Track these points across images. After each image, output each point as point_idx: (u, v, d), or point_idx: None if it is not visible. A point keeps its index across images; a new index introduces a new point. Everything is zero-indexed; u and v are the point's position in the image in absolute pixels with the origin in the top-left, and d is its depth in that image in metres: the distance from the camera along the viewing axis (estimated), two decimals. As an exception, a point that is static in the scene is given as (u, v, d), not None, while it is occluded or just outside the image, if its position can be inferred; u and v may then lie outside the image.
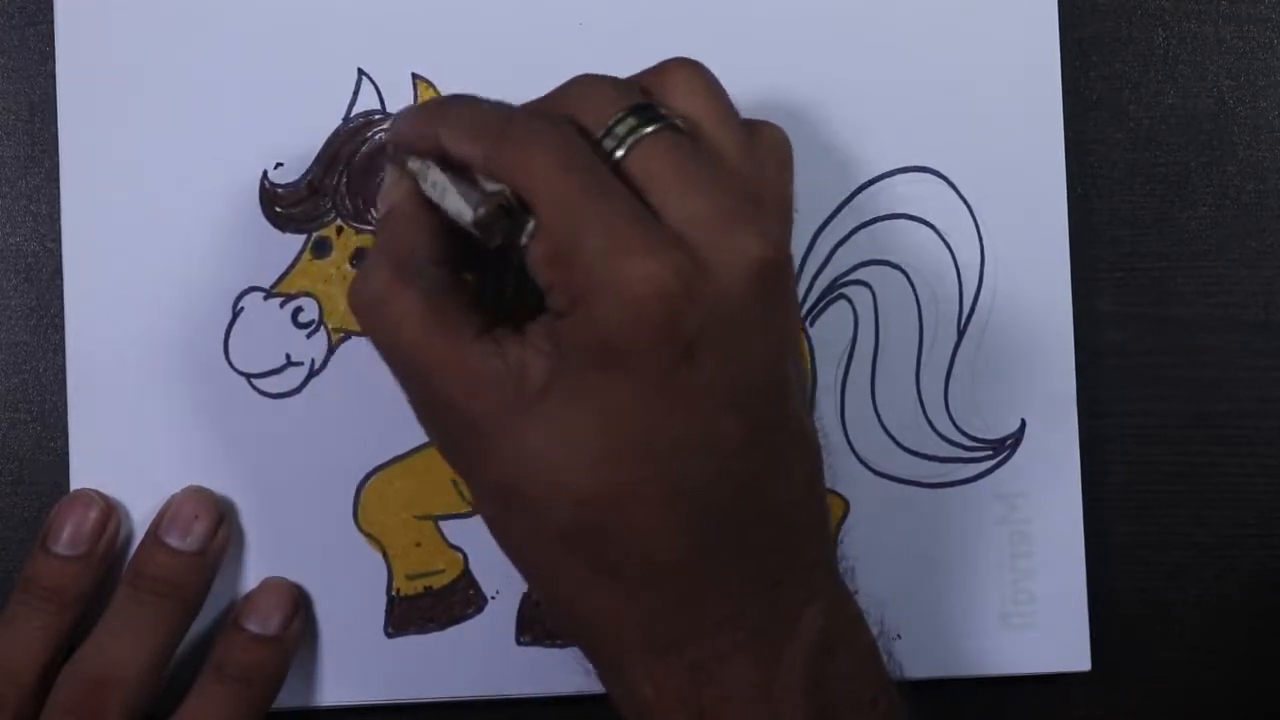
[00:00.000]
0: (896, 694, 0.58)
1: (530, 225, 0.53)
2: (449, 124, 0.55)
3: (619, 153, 0.54)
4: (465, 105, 0.57)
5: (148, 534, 0.65)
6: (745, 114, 0.66)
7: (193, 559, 0.64)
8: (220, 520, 0.65)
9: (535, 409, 0.53)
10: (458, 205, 0.54)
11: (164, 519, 0.65)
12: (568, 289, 0.52)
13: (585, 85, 0.56)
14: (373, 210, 0.66)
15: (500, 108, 0.56)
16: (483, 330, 0.54)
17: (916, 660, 0.66)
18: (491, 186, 0.53)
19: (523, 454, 0.53)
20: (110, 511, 0.65)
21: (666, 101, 0.55)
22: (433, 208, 0.56)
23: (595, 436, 0.52)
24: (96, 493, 0.65)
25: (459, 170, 0.55)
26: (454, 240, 0.56)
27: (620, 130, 0.54)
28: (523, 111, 0.56)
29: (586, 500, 0.53)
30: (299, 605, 0.66)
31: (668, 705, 0.55)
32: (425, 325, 0.54)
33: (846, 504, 0.67)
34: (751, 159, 0.56)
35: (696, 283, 0.52)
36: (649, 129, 0.54)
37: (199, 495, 0.65)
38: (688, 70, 0.56)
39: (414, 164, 0.57)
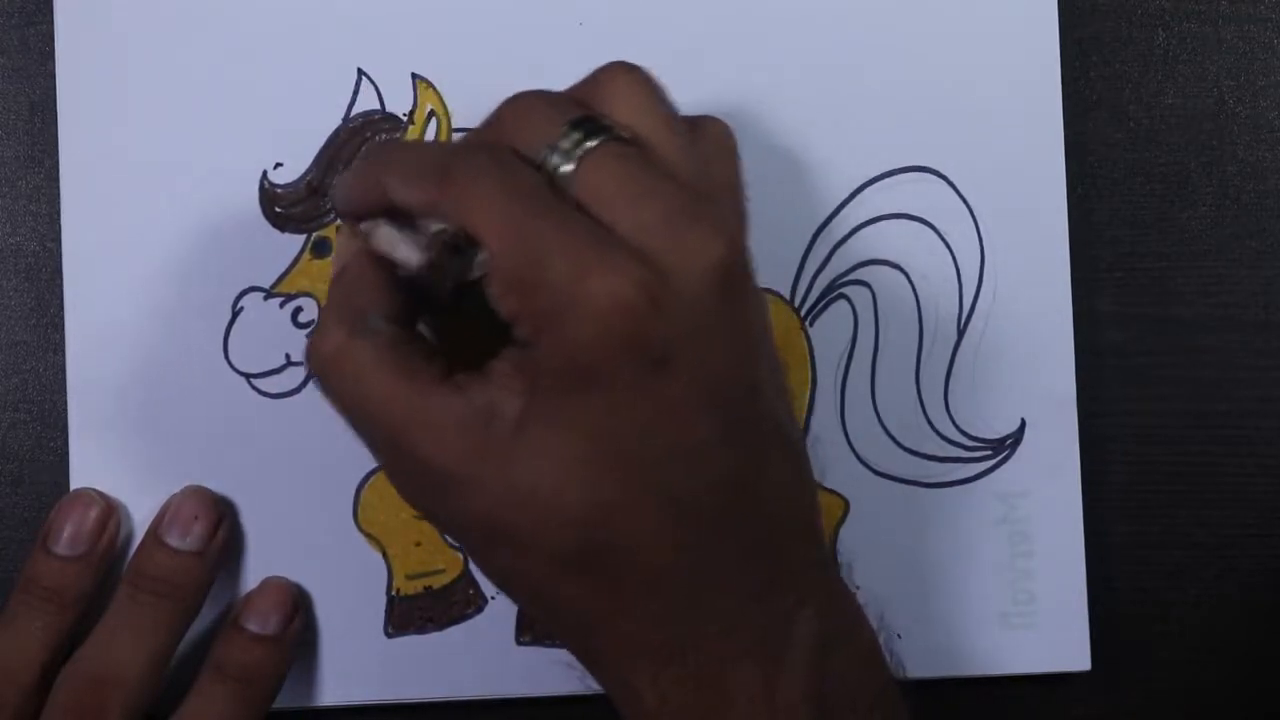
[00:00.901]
0: (899, 693, 0.58)
1: (480, 258, 0.52)
2: (391, 172, 0.54)
3: (564, 169, 0.53)
4: (405, 150, 0.57)
5: (147, 534, 0.65)
6: (745, 115, 0.66)
7: (192, 559, 0.64)
8: (220, 520, 0.65)
9: (513, 444, 0.52)
10: (406, 253, 0.54)
11: (164, 519, 0.65)
12: (532, 317, 0.52)
13: (521, 106, 0.55)
14: (373, 210, 0.66)
15: (440, 147, 0.56)
16: (444, 376, 0.54)
17: (916, 660, 0.66)
18: (435, 227, 0.53)
19: (506, 490, 0.53)
20: (110, 511, 0.65)
21: (606, 111, 0.54)
22: (384, 265, 0.55)
23: (580, 459, 0.52)
24: (96, 492, 0.65)
25: (408, 222, 0.54)
26: (409, 294, 0.55)
27: (564, 146, 0.53)
28: (463, 147, 0.55)
29: (579, 522, 0.52)
30: (298, 605, 0.66)
31: (672, 713, 0.55)
32: (384, 377, 0.54)
33: (846, 504, 0.67)
34: (697, 158, 0.55)
35: (659, 293, 0.51)
36: (592, 143, 0.53)
37: (199, 495, 0.65)
38: (625, 76, 0.56)
39: (364, 225, 0.56)
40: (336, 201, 0.58)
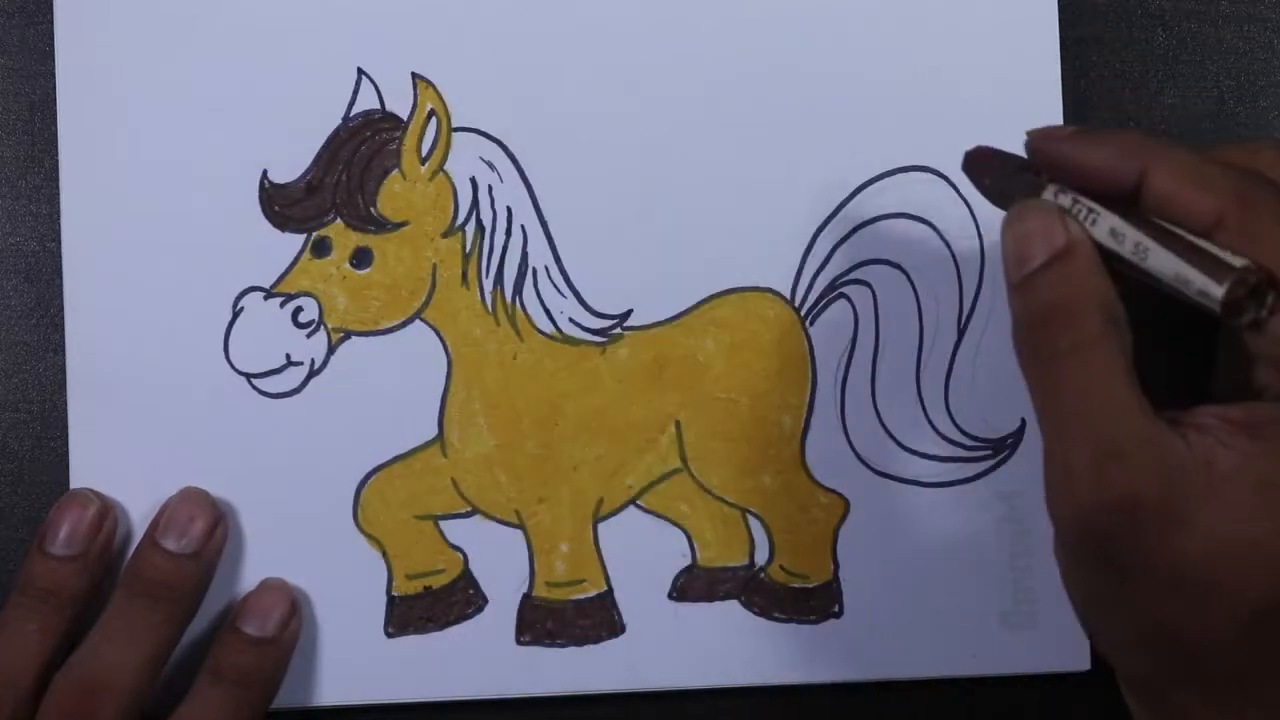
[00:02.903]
0: None
1: (1270, 300, 0.50)
2: (1163, 162, 0.52)
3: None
4: (1175, 149, 0.53)
5: (144, 537, 0.65)
6: (745, 115, 0.67)
7: (188, 562, 0.64)
8: (217, 522, 0.65)
9: (1225, 494, 0.50)
10: (1182, 275, 0.51)
11: (160, 522, 0.65)
12: None
13: None
14: (373, 208, 0.66)
15: (1215, 161, 0.52)
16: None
17: (916, 660, 0.66)
18: (1235, 260, 0.50)
19: (1225, 535, 0.50)
20: (107, 510, 0.65)
21: None
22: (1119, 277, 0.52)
23: None
24: (93, 492, 0.65)
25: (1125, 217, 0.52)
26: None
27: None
28: (1249, 174, 0.52)
29: None
30: (296, 606, 0.66)
31: None
32: (1124, 383, 0.51)
33: (846, 503, 0.67)
34: None
35: None
36: None
37: (195, 497, 0.65)
38: None
39: (1064, 198, 0.53)
40: (1068, 157, 0.54)
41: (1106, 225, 0.52)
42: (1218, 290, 0.50)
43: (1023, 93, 0.68)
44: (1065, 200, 0.53)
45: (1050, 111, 0.68)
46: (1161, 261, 0.51)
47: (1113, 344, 0.51)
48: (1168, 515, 0.50)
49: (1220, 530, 0.50)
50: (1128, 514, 0.50)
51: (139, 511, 0.66)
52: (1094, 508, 0.51)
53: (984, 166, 0.58)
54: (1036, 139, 0.55)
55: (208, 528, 0.65)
